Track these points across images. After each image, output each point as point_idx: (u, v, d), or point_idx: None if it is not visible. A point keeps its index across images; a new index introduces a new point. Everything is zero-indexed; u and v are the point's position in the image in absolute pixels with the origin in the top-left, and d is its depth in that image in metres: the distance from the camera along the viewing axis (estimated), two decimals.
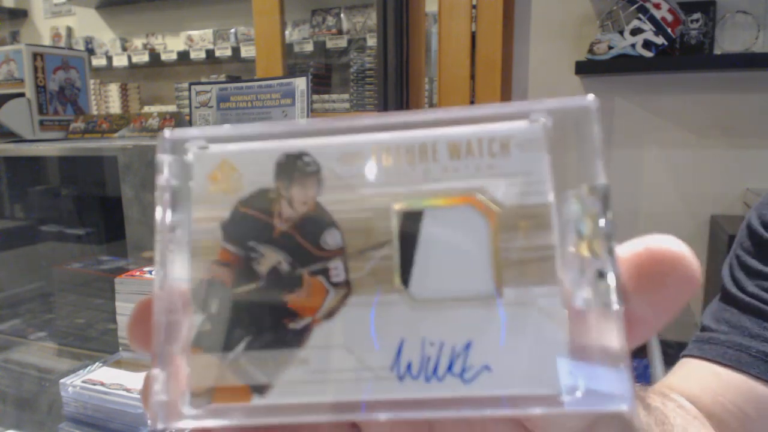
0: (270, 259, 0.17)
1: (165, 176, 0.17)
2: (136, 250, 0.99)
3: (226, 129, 0.18)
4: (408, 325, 0.16)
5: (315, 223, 0.17)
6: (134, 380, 0.69)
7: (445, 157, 0.17)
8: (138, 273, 0.80)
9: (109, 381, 0.68)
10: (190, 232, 0.17)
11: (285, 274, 0.17)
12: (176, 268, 0.17)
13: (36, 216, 1.36)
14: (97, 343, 1.02)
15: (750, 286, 0.43)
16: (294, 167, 0.17)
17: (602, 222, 0.16)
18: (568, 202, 0.16)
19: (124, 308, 0.80)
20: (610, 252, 0.15)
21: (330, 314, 0.16)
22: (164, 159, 0.17)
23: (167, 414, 0.16)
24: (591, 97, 0.16)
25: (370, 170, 0.17)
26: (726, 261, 0.48)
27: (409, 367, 0.16)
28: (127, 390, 0.66)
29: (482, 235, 0.16)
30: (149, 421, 0.16)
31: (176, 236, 0.17)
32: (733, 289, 0.44)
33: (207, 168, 0.17)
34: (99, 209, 1.28)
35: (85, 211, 1.31)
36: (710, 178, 1.72)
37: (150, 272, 0.80)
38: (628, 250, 0.16)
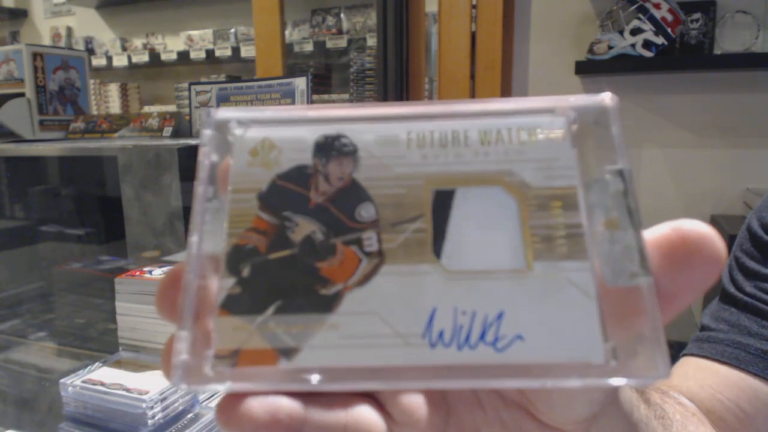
0: (304, 228, 0.17)
1: (206, 150, 0.18)
2: (135, 250, 0.99)
3: (269, 112, 0.19)
4: (440, 295, 0.16)
5: (350, 196, 0.17)
6: (134, 380, 0.69)
7: (476, 143, 0.18)
8: (138, 273, 0.80)
9: (109, 381, 0.68)
10: (227, 201, 0.18)
11: (318, 243, 0.17)
12: (210, 234, 0.17)
13: (36, 216, 1.36)
14: (97, 343, 1.02)
15: (748, 286, 0.43)
16: (332, 146, 0.18)
17: (627, 200, 0.17)
18: (594, 183, 0.17)
19: (124, 308, 0.80)
20: (636, 228, 0.16)
21: (362, 282, 0.17)
22: (207, 134, 0.18)
23: (188, 374, 0.16)
24: (608, 95, 0.18)
25: (405, 152, 0.18)
26: (726, 263, 0.48)
27: (441, 335, 0.16)
28: (127, 390, 0.66)
29: (512, 213, 0.17)
30: (170, 380, 0.15)
31: (213, 205, 0.18)
32: (732, 289, 0.44)
33: (248, 145, 0.18)
34: (99, 209, 1.28)
35: (85, 211, 1.31)
36: (710, 178, 1.71)
37: (150, 272, 0.80)
38: (655, 232, 0.16)
